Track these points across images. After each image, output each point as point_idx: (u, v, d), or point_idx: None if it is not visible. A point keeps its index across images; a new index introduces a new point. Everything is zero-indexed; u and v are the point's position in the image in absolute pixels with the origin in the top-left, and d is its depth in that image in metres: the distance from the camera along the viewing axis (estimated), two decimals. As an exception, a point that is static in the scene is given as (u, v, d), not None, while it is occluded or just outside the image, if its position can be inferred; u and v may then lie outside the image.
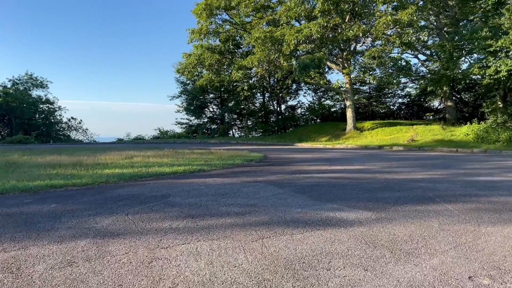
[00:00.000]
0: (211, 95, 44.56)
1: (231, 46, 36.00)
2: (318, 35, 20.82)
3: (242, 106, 42.61)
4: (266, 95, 42.78)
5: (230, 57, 36.13)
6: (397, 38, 19.87)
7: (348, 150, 19.21)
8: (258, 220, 4.85)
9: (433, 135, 23.14)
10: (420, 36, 19.17)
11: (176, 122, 45.14)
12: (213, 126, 43.95)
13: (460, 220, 4.79)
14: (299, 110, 43.43)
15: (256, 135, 40.80)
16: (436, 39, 26.65)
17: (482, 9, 20.48)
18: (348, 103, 27.94)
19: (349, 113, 27.94)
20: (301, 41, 21.76)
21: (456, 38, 19.78)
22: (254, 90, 41.08)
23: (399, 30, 19.72)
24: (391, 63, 22.60)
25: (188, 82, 42.62)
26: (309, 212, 5.25)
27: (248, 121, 44.37)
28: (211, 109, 44.97)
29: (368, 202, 5.90)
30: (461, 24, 22.12)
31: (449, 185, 7.39)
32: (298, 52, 26.15)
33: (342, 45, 25.97)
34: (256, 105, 44.64)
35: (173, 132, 43.14)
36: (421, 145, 20.43)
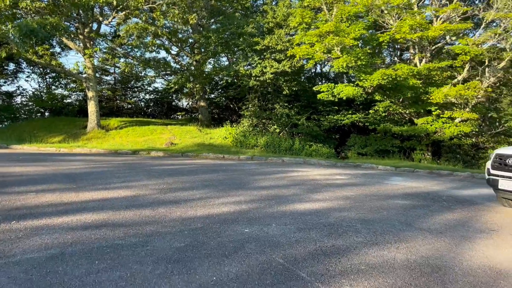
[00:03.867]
0: None
1: None
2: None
3: None
4: (-36, 74, 31.84)
5: None
6: (161, 16, 17.36)
7: (95, 157, 15.19)
8: None
9: (192, 137, 22.07)
10: (189, 20, 17.41)
11: None
12: None
13: None
14: (19, 99, 34.62)
15: None
16: (183, 34, 25.91)
17: (240, 5, 20.86)
18: (90, 94, 23.41)
19: (92, 107, 23.47)
20: (23, -4, 15.90)
21: (221, 30, 19.21)
22: None
23: (164, 6, 17.28)
24: (153, 48, 19.93)
25: None
26: None
27: None
28: None
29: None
30: (220, 18, 21.98)
31: (280, 227, 5.23)
32: (18, 20, 19.64)
33: (83, 18, 21.35)
34: None
35: None
36: (182, 149, 18.74)
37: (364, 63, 15.53)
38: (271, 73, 18.05)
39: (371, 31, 18.06)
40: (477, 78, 17.32)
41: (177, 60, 27.03)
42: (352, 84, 17.55)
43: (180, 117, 35.29)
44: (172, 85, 23.58)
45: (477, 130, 18.65)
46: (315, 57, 16.58)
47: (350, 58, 15.06)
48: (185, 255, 4.00)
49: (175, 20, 17.92)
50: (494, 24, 18.32)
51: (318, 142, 20.59)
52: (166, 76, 29.69)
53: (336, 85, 17.78)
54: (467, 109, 17.73)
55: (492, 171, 7.40)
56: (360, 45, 16.20)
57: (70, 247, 4.12)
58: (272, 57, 18.64)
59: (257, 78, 18.79)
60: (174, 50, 27.17)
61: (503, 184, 7.02)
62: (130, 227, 4.99)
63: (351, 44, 15.15)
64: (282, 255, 4.11)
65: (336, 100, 17.79)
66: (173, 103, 37.83)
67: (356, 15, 17.03)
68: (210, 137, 22.05)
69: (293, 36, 18.31)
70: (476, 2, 21.91)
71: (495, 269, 4.08)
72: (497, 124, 20.40)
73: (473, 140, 19.73)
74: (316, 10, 18.60)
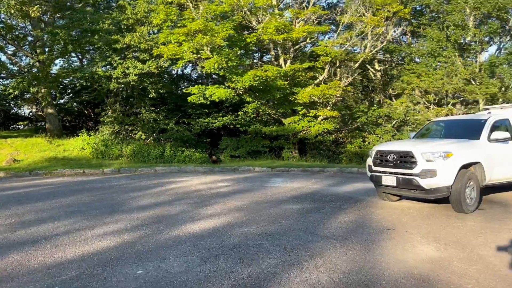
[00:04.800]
0: None
1: None
2: None
3: None
4: None
5: None
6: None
7: None
8: None
9: (41, 151, 19.04)
10: (31, 13, 14.56)
11: None
12: None
13: None
14: None
15: None
16: (21, 31, 22.33)
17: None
18: None
19: None
20: None
21: (71, 25, 16.75)
22: None
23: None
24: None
25: None
26: None
27: None
28: None
29: None
30: (67, 12, 19.35)
31: (180, 259, 4.43)
32: None
33: None
34: None
35: None
36: (30, 167, 15.92)
37: (235, 64, 15.37)
38: (135, 75, 16.54)
39: (241, 32, 18.12)
40: (336, 78, 18.82)
41: (14, 61, 23.10)
42: (223, 86, 17.25)
43: (22, 128, 30.48)
44: (11, 90, 20.02)
45: (337, 127, 20.30)
46: (184, 57, 15.76)
47: (221, 59, 14.70)
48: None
49: (11, 12, 14.98)
50: (343, 27, 20.13)
51: (190, 147, 19.85)
52: (1, 80, 25.24)
53: (207, 87, 17.28)
54: (328, 108, 19.14)
55: (374, 168, 7.74)
56: (226, 46, 16.02)
57: None
58: (135, 57, 17.12)
59: (118, 80, 17.02)
60: (10, 49, 23.17)
61: (386, 180, 7.37)
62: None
63: (221, 44, 14.82)
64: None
65: (208, 102, 17.30)
66: (12, 112, 32.53)
67: (222, 14, 16.79)
68: (64, 149, 19.37)
69: (158, 35, 17.13)
70: (326, 7, 23.90)
71: (416, 276, 3.99)
72: (347, 120, 22.60)
73: (334, 136, 21.42)
74: (180, 7, 17.76)
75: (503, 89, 18.95)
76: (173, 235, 5.43)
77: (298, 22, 18.96)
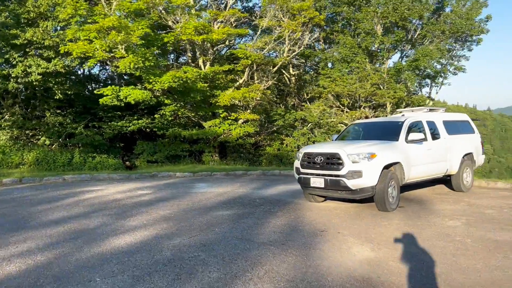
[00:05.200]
0: None
1: None
2: None
3: None
4: None
5: None
6: None
7: None
8: None
9: None
10: None
11: None
12: None
13: None
14: None
15: None
16: None
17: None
18: None
19: None
20: None
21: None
22: None
23: None
24: None
25: None
26: None
27: None
28: None
29: None
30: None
31: (108, 281, 3.97)
32: None
33: None
34: None
35: None
36: None
37: (152, 64, 14.65)
38: (39, 74, 14.91)
39: (157, 31, 17.38)
40: (255, 81, 18.96)
41: None
42: (138, 87, 16.36)
43: None
44: None
45: (258, 130, 20.46)
46: (96, 55, 14.58)
47: (138, 58, 13.89)
48: None
49: None
50: (261, 31, 20.41)
51: (101, 153, 18.54)
52: None
53: (121, 88, 16.22)
54: (249, 111, 19.22)
55: (302, 170, 7.80)
56: (142, 45, 15.24)
57: None
58: (39, 54, 15.47)
59: (18, 80, 15.22)
60: None
61: (315, 182, 7.46)
62: None
63: (137, 43, 14.02)
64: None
65: (122, 104, 16.29)
66: None
67: (137, 12, 15.93)
68: (-50, 158, 16.94)
69: (65, 31, 15.69)
70: (242, 11, 24.03)
71: (358, 279, 4.01)
72: (264, 123, 22.97)
73: (254, 139, 21.58)
74: (91, 2, 16.48)
75: (406, 93, 20.66)
76: (95, 252, 4.87)
77: (217, 24, 18.77)
